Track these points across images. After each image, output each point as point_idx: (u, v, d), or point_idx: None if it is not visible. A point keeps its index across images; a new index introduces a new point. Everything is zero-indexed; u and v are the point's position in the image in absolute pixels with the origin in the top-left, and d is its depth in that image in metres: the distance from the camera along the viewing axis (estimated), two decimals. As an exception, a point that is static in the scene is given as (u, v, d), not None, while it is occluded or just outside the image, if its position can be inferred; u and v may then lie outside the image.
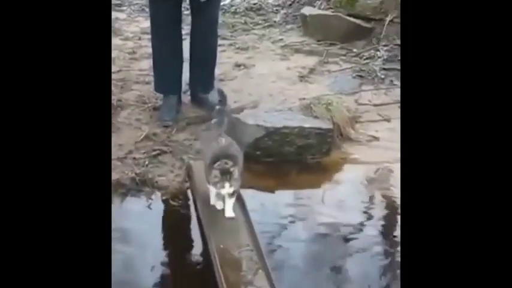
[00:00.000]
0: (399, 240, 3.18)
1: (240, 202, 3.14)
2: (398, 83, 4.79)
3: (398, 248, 3.11)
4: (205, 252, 2.99)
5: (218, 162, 2.91)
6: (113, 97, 4.42)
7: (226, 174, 2.90)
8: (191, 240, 3.22)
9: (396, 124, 4.20)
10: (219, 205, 3.08)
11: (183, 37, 4.27)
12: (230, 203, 3.04)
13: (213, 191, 3.04)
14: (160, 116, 4.17)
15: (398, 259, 3.01)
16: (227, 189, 2.93)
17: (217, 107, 3.41)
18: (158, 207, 3.47)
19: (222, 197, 3.04)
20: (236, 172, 2.93)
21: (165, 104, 4.24)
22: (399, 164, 3.63)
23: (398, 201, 3.49)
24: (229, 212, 3.05)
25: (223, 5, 6.19)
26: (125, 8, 6.75)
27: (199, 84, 4.37)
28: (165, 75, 4.26)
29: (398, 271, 2.93)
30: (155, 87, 4.35)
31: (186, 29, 4.38)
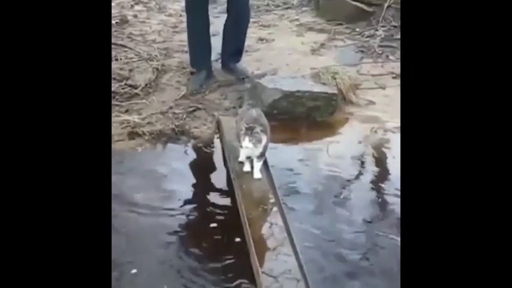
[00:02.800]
0: (390, 180, 3.25)
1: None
2: (393, 57, 4.77)
3: (389, 185, 3.19)
4: (230, 190, 3.03)
5: (250, 125, 2.84)
6: (157, 63, 4.44)
7: (251, 131, 2.81)
8: (218, 180, 3.25)
9: (390, 91, 4.20)
10: (246, 167, 3.01)
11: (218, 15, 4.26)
12: (258, 165, 2.96)
13: (243, 152, 2.98)
14: (188, 86, 4.13)
15: (389, 194, 3.10)
16: (247, 144, 2.82)
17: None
18: (193, 152, 3.50)
19: (251, 161, 2.98)
20: (264, 138, 2.85)
21: (195, 77, 4.21)
22: (391, 123, 3.74)
23: (388, 152, 3.54)
24: (257, 174, 2.97)
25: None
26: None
27: (230, 56, 4.33)
28: (196, 53, 4.23)
29: (391, 202, 3.02)
30: (190, 62, 4.33)
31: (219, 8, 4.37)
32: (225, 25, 4.25)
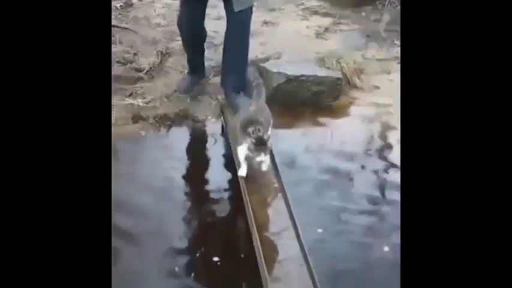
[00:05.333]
0: (396, 165, 3.23)
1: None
2: (398, 42, 4.70)
3: (395, 171, 3.18)
4: (233, 174, 3.01)
5: (251, 128, 2.69)
6: (162, 46, 4.39)
7: (261, 145, 2.68)
8: (222, 161, 3.26)
9: (395, 76, 4.15)
10: (243, 170, 2.83)
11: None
12: (266, 159, 2.81)
13: (242, 149, 2.80)
14: (179, 85, 3.85)
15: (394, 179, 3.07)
16: (262, 157, 2.72)
17: (257, 80, 3.22)
18: (196, 136, 3.48)
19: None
20: (268, 137, 2.72)
21: (186, 79, 3.89)
22: (396, 107, 3.70)
23: (392, 135, 3.52)
24: (265, 166, 2.84)
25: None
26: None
27: (229, 85, 3.64)
28: (189, 59, 3.87)
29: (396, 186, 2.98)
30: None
31: None
32: (223, 49, 3.68)
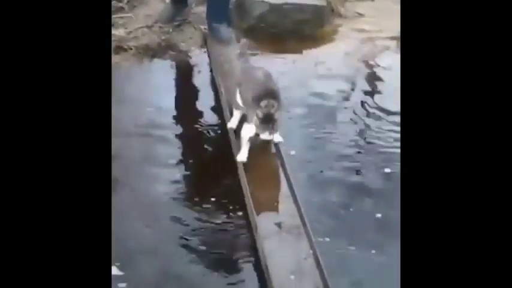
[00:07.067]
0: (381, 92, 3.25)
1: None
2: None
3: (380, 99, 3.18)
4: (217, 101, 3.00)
5: (265, 102, 2.37)
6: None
7: (270, 122, 2.38)
8: (206, 95, 3.22)
9: (378, 4, 4.09)
10: (242, 155, 2.54)
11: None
12: (277, 134, 2.56)
13: (248, 128, 2.49)
14: (161, 14, 3.74)
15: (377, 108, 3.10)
16: (266, 136, 2.43)
17: (243, 40, 3.02)
18: (179, 66, 3.43)
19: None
20: (278, 116, 2.41)
21: (167, 6, 3.77)
22: (380, 34, 3.67)
23: (377, 64, 3.52)
24: (277, 138, 2.60)
25: None
26: None
27: (214, 17, 3.52)
28: None
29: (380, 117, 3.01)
30: None
31: None
32: None
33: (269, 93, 2.41)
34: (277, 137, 2.58)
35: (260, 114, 2.37)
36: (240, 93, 2.60)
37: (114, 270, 2.11)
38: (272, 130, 2.40)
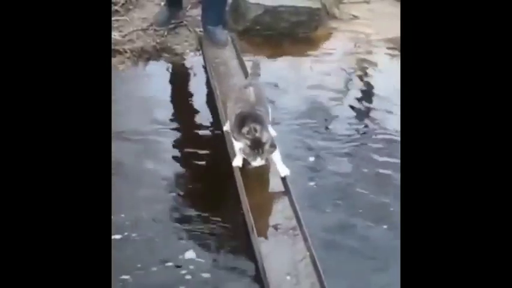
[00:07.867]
0: (377, 94, 3.25)
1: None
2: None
3: (377, 100, 3.19)
4: (213, 110, 2.98)
5: (246, 128, 2.25)
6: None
7: (258, 147, 2.25)
8: (201, 98, 3.20)
9: (374, 6, 4.10)
10: (237, 161, 2.47)
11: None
12: (278, 159, 2.42)
13: (237, 143, 2.38)
14: (156, 17, 3.74)
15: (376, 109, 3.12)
16: (258, 162, 2.29)
17: (256, 59, 2.89)
18: (175, 69, 3.42)
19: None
20: (267, 136, 2.27)
21: (163, 9, 3.76)
22: (375, 37, 3.68)
23: (372, 66, 3.52)
24: (283, 170, 2.43)
25: None
26: None
27: (209, 20, 3.51)
28: None
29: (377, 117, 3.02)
30: None
31: None
32: None
33: (249, 117, 2.29)
34: (283, 170, 2.43)
35: (248, 142, 2.24)
36: (227, 114, 2.54)
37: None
38: (262, 155, 2.26)
